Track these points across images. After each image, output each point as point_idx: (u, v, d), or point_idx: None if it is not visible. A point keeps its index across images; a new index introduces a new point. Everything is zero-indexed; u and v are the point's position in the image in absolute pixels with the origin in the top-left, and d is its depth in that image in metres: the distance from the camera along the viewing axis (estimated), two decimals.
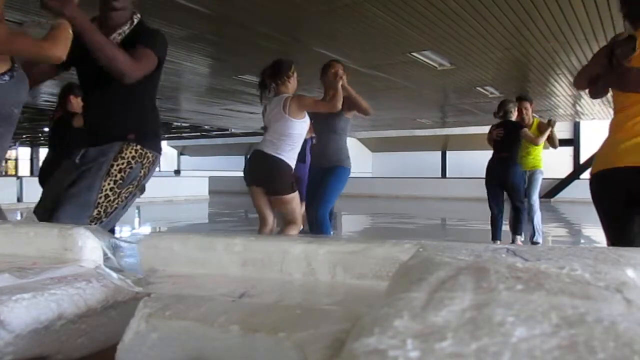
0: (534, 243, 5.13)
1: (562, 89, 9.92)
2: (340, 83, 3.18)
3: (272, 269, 1.08)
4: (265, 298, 0.92)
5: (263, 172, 3.14)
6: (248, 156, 3.15)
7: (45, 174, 3.78)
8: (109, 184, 1.96)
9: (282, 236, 1.15)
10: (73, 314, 0.90)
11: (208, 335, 0.72)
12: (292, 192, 3.15)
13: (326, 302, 0.88)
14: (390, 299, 0.56)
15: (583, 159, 14.64)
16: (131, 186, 2.02)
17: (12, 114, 1.83)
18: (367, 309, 0.60)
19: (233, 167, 25.04)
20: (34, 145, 29.86)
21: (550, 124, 5.00)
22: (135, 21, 2.20)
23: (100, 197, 1.94)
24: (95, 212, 1.94)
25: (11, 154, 33.27)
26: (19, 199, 11.02)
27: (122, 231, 7.39)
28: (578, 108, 12.50)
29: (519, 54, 7.12)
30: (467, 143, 18.41)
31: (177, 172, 23.67)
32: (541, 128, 5.14)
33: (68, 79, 3.91)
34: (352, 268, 1.01)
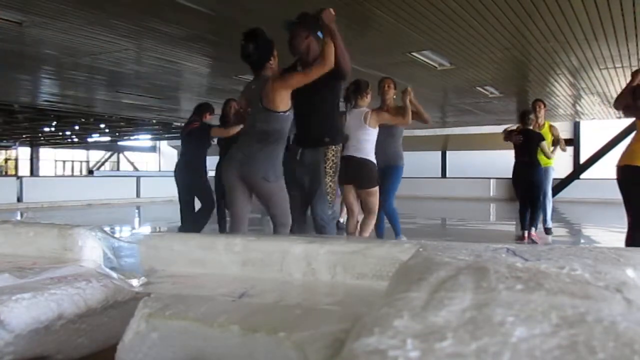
0: (547, 229, 5.96)
1: (562, 89, 9.91)
2: (408, 99, 4.06)
3: (272, 269, 1.08)
4: (265, 298, 0.92)
5: (355, 172, 3.86)
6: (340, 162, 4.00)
7: (181, 175, 4.82)
8: (328, 179, 3.07)
9: (282, 236, 1.15)
10: (73, 314, 0.90)
11: (208, 335, 0.72)
12: (377, 185, 3.93)
13: (326, 302, 0.88)
14: (390, 299, 0.56)
15: (583, 158, 14.63)
16: (336, 172, 3.12)
17: (287, 134, 2.87)
18: (367, 309, 0.60)
19: None
20: (34, 145, 29.86)
21: (560, 142, 5.85)
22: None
23: (327, 189, 3.07)
24: (329, 198, 3.09)
25: (11, 153, 33.28)
26: (19, 199, 11.01)
27: (122, 231, 7.39)
28: (578, 108, 12.49)
29: (518, 53, 7.11)
30: (467, 143, 18.38)
31: None
32: (552, 131, 5.85)
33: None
34: (352, 268, 1.01)
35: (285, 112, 2.77)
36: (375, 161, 3.92)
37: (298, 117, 2.96)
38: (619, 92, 3.63)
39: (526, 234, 5.54)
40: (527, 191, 5.57)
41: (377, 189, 3.94)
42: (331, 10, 2.91)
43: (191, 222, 4.83)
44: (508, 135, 5.65)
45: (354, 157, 3.84)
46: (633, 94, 3.25)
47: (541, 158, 5.61)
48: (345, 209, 5.47)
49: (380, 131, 4.03)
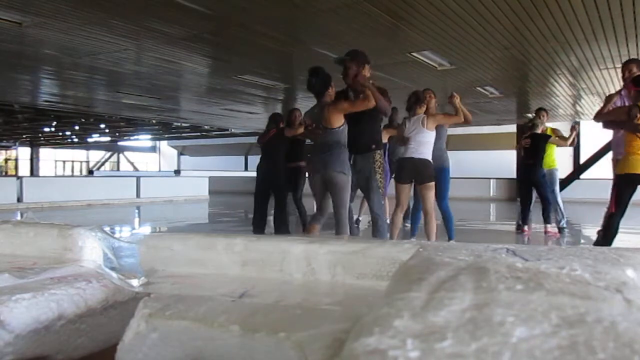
0: (561, 228, 6.42)
1: (562, 89, 9.91)
2: (457, 102, 4.55)
3: (272, 269, 1.08)
4: (265, 298, 0.92)
5: (415, 171, 4.46)
6: (398, 164, 4.73)
7: (261, 176, 5.73)
8: (378, 176, 3.91)
9: (282, 236, 1.15)
10: (73, 314, 0.90)
11: (208, 335, 0.72)
12: (433, 181, 4.49)
13: (326, 302, 0.88)
14: (390, 299, 0.56)
15: (583, 159, 14.62)
16: (382, 171, 3.96)
17: (346, 141, 3.71)
18: (367, 309, 0.60)
19: (233, 167, 25.00)
20: (34, 145, 29.85)
21: (575, 129, 6.46)
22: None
23: (379, 184, 3.90)
24: (381, 191, 3.92)
25: (11, 153, 33.28)
26: (19, 199, 11.01)
27: (122, 231, 7.39)
28: (578, 108, 12.49)
29: (518, 53, 7.11)
30: (467, 143, 18.37)
31: (177, 172, 23.68)
32: (555, 133, 6.50)
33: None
34: (352, 268, 1.01)
35: (339, 127, 3.66)
36: (431, 160, 4.47)
37: (351, 131, 3.75)
38: (600, 110, 4.47)
39: (525, 227, 6.25)
40: (530, 189, 6.20)
41: (433, 184, 4.49)
42: (366, 74, 3.82)
43: (263, 218, 5.71)
44: (519, 143, 6.38)
45: (412, 158, 4.45)
46: (628, 113, 3.85)
47: (545, 160, 6.24)
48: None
49: None
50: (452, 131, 18.85)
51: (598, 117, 4.40)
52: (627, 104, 4.16)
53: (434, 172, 4.51)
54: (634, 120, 3.80)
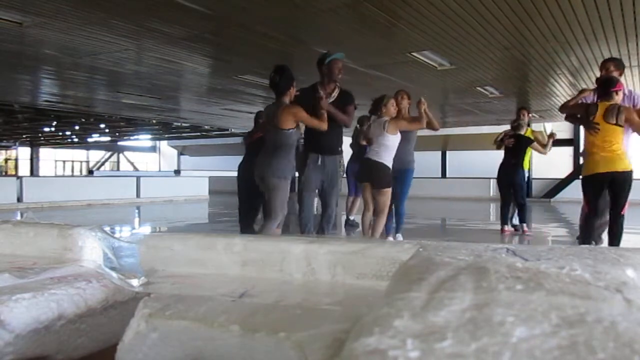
0: (515, 226, 6.50)
1: (562, 89, 9.91)
2: (423, 108, 4.58)
3: (272, 269, 1.08)
4: (265, 298, 0.92)
5: (371, 173, 4.46)
6: (359, 164, 4.75)
7: (247, 177, 5.28)
8: (340, 175, 4.13)
9: (282, 236, 1.15)
10: (73, 314, 0.90)
11: (208, 335, 0.72)
12: (389, 187, 4.44)
13: (326, 302, 0.88)
14: (390, 299, 0.56)
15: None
16: (342, 172, 4.31)
17: (294, 145, 3.77)
18: (367, 309, 0.60)
19: (233, 167, 25.00)
20: (34, 145, 29.84)
21: (553, 137, 6.25)
22: (339, 89, 4.09)
23: (339, 182, 4.10)
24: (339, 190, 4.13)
25: (11, 153, 33.27)
26: (19, 199, 11.00)
27: (122, 231, 7.39)
28: None
29: (518, 53, 7.11)
30: (467, 143, 18.36)
31: (177, 172, 23.68)
32: (534, 135, 6.48)
33: None
34: (352, 268, 1.01)
35: (288, 130, 3.65)
36: (390, 165, 4.42)
37: (319, 133, 3.78)
38: (567, 101, 4.59)
39: (506, 228, 6.26)
40: (510, 190, 6.27)
41: (388, 190, 4.43)
42: (323, 97, 3.82)
43: (248, 219, 5.40)
44: (501, 141, 6.29)
45: (370, 160, 4.44)
46: (586, 111, 3.84)
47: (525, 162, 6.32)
48: (355, 208, 6.97)
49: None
50: (452, 131, 18.88)
51: (563, 108, 4.54)
52: None
53: (391, 179, 4.47)
54: (589, 118, 3.78)
